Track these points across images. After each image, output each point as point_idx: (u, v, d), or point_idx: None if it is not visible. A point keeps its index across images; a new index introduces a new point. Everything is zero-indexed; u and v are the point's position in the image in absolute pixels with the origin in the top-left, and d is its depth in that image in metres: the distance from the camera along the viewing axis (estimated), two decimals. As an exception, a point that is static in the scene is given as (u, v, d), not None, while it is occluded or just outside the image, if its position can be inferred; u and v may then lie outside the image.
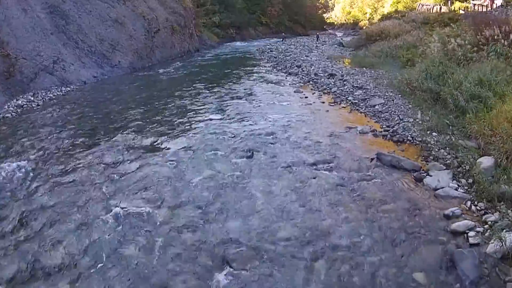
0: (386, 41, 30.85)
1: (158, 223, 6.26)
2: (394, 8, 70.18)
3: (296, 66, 23.50)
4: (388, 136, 10.72)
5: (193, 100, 15.40)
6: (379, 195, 7.15)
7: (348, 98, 14.80)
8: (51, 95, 16.86)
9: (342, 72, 20.43)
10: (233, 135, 10.55)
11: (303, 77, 20.07)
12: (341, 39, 56.15)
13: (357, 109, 13.43)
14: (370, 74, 20.02)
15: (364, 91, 15.66)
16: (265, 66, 25.38)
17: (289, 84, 18.30)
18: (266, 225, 6.16)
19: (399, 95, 14.71)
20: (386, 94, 15.02)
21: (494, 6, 43.09)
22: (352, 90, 16.05)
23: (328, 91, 16.46)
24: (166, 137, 10.67)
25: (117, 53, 26.07)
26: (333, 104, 14.12)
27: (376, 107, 13.51)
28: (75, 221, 6.33)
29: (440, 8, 49.94)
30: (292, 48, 35.18)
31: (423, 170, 8.27)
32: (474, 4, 49.80)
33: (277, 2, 64.43)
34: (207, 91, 16.94)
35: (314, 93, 16.21)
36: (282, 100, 14.98)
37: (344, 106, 13.91)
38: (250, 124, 11.57)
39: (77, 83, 20.45)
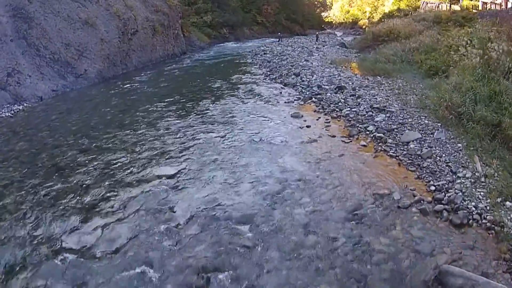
0: (398, 43, 26.45)
1: None
2: (396, 7, 65.54)
3: (294, 74, 18.91)
4: (444, 213, 6.35)
5: (147, 134, 10.69)
6: None
7: (369, 128, 10.32)
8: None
9: (352, 83, 15.92)
10: (176, 226, 5.94)
11: (303, 90, 15.54)
12: (342, 39, 51.60)
13: (385, 150, 8.95)
14: (388, 85, 15.55)
15: (388, 115, 11.17)
16: (256, 74, 20.80)
17: (285, 103, 13.78)
18: None
19: (439, 124, 10.25)
20: (420, 121, 10.55)
21: (509, 5, 38.76)
22: (371, 113, 11.57)
23: (338, 114, 11.99)
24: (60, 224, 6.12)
25: (84, 60, 21.54)
26: (347, 140, 9.63)
27: (412, 145, 9.05)
28: None
29: (450, 6, 45.38)
30: (289, 50, 30.39)
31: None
32: (484, 3, 45.33)
33: (274, 0, 59.55)
34: (171, 118, 12.26)
35: (319, 118, 11.71)
36: (273, 133, 10.34)
37: (365, 143, 9.41)
38: (213, 197, 6.84)
39: (32, 99, 16.34)
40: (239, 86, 17.31)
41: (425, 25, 30.35)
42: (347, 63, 23.81)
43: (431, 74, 17.83)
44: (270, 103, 13.73)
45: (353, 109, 12.10)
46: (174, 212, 6.23)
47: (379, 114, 11.35)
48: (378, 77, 17.72)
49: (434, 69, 17.72)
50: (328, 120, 11.35)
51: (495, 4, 40.75)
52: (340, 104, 12.87)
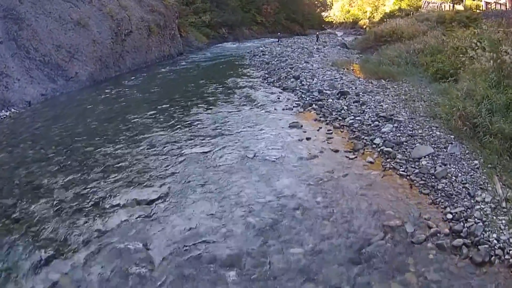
0: (401, 44, 25.48)
1: None
2: (397, 6, 64.47)
3: (294, 77, 17.89)
4: (464, 249, 5.45)
5: (130, 149, 9.56)
6: None
7: (375, 141, 9.33)
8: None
9: (355, 87, 14.90)
10: (151, 270, 4.94)
11: (303, 95, 14.53)
12: (343, 39, 50.58)
13: (394, 168, 7.96)
14: (393, 90, 14.57)
15: (396, 125, 10.18)
16: (253, 77, 19.80)
17: (283, 110, 12.77)
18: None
19: (452, 136, 9.27)
20: (431, 133, 9.57)
21: (513, 5, 37.71)
22: (377, 122, 10.58)
23: (341, 123, 10.99)
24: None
25: (75, 62, 20.58)
26: (352, 156, 8.63)
27: (424, 162, 8.07)
28: None
29: (453, 6, 44.32)
30: (289, 51, 29.35)
31: None
32: (487, 3, 44.31)
33: (273, -1, 58.56)
34: (159, 129, 11.00)
35: (320, 128, 10.71)
36: (269, 148, 9.23)
37: (372, 160, 8.44)
38: (196, 231, 5.76)
39: (19, 104, 15.51)
40: (234, 90, 16.28)
41: (428, 25, 29.36)
42: (349, 65, 22.81)
43: (439, 77, 16.84)
44: (267, 110, 12.70)
45: (357, 118, 11.10)
46: (150, 250, 5.25)
47: (386, 124, 10.35)
48: (383, 80, 16.71)
49: (442, 72, 16.73)
50: (330, 131, 10.34)
51: (499, 4, 39.70)
52: (343, 111, 11.86)
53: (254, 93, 15.61)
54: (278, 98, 14.40)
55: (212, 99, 14.90)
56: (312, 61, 23.05)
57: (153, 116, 12.42)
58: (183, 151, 8.93)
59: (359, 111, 11.68)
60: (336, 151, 8.78)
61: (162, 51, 28.82)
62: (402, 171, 7.82)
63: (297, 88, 15.64)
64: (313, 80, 16.67)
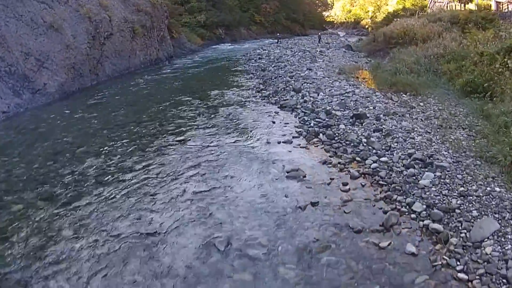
0: (416, 46, 22.34)
1: None
2: (402, 6, 61.02)
3: (294, 89, 14.65)
4: None
5: (64, 211, 6.55)
6: None
7: (414, 206, 6.20)
8: None
9: (373, 106, 11.69)
10: None
11: (306, 117, 11.31)
12: (346, 39, 47.30)
13: (449, 265, 4.86)
14: (420, 110, 11.49)
15: (438, 174, 7.04)
16: (245, 88, 16.56)
17: (278, 143, 9.52)
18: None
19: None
20: (490, 189, 6.39)
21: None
22: (412, 168, 7.37)
23: (361, 168, 7.81)
24: None
25: (44, 72, 17.49)
26: (385, 242, 5.39)
27: (488, 250, 5.17)
28: None
29: (464, 5, 40.98)
30: (289, 54, 26.02)
31: None
32: (498, 3, 40.97)
33: (273, -2, 55.03)
34: (104, 180, 7.75)
35: (331, 180, 7.40)
36: (251, 224, 5.92)
37: (414, 250, 5.24)
38: None
39: None
40: (218, 110, 12.97)
41: (442, 26, 26.13)
42: (358, 71, 19.59)
43: (468, 91, 13.68)
44: (255, 145, 9.41)
45: (382, 159, 7.89)
46: None
47: (424, 171, 7.16)
48: (404, 95, 13.53)
49: (472, 85, 13.57)
50: (347, 185, 7.08)
51: (513, 3, 36.37)
52: (361, 147, 8.63)
53: (243, 113, 12.33)
54: (273, 122, 11.12)
55: (187, 124, 11.55)
56: (315, 68, 19.78)
57: (103, 157, 9.06)
58: (117, 234, 5.67)
59: (383, 147, 8.46)
60: (358, 231, 5.54)
61: (149, 54, 25.60)
62: (462, 273, 4.66)
63: (298, 106, 12.40)
64: (318, 94, 13.39)
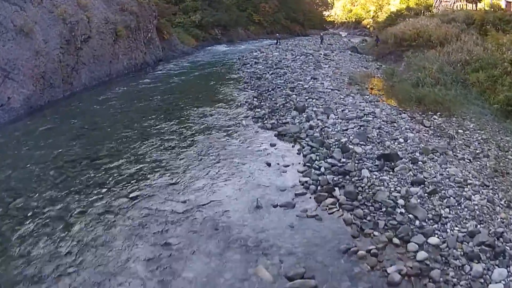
0: (433, 50, 19.64)
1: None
2: (405, 5, 58.07)
3: (296, 108, 11.72)
4: None
5: None
6: None
7: None
8: None
9: (403, 136, 8.83)
10: None
11: (314, 155, 8.41)
12: (349, 40, 44.41)
13: None
14: (464, 143, 8.63)
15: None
16: (236, 104, 13.70)
17: (274, 207, 6.52)
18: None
19: None
20: None
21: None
22: (477, 261, 4.56)
23: (403, 257, 4.92)
24: None
25: (10, 84, 14.85)
26: None
27: None
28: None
29: (476, 5, 38.13)
30: (289, 58, 23.01)
31: None
32: (509, 3, 38.18)
33: (272, -3, 51.89)
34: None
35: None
36: None
37: None
38: None
39: None
40: (195, 142, 9.89)
41: (457, 27, 23.32)
42: (370, 79, 16.73)
43: (510, 111, 10.93)
44: (236, 216, 6.30)
45: (431, 241, 5.16)
46: None
47: (493, 265, 4.37)
48: (435, 116, 10.70)
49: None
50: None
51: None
52: (399, 218, 5.79)
53: (226, 147, 9.28)
54: (267, 165, 8.09)
55: (148, 170, 8.29)
56: (321, 76, 16.87)
57: (31, 214, 6.26)
58: None
59: (431, 216, 5.62)
60: None
61: (134, 59, 22.72)
62: None
63: (302, 135, 9.47)
64: (327, 116, 10.47)
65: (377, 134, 8.86)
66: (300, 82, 15.24)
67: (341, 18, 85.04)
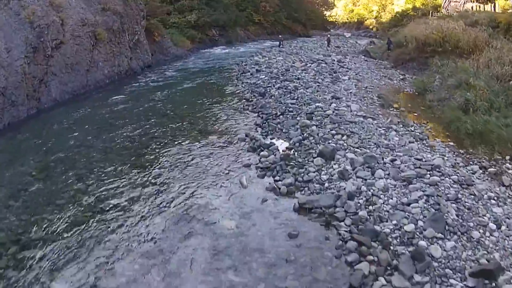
0: (466, 58, 16.52)
1: None
2: (411, 5, 54.75)
3: (322, 153, 7.99)
4: None
5: None
6: None
7: None
8: None
9: (492, 216, 5.46)
10: None
11: (368, 263, 5.00)
12: (356, 42, 41.09)
13: None
14: None
15: None
16: (233, 136, 10.10)
17: None
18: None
19: None
20: None
21: None
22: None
23: None
24: None
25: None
26: None
27: None
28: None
29: (493, 7, 34.96)
30: (298, 67, 19.45)
31: None
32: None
33: (273, -4, 48.32)
34: None
35: None
36: None
37: None
38: None
39: None
40: (161, 218, 6.30)
41: (483, 31, 20.09)
42: (402, 97, 13.40)
43: None
44: None
45: None
46: None
47: None
48: (508, 165, 7.37)
49: None
50: None
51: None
52: None
53: (213, 246, 5.57)
54: None
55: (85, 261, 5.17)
56: (343, 94, 13.45)
57: None
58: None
59: None
60: None
61: (117, 65, 19.28)
62: None
63: (338, 213, 5.91)
64: (373, 173, 6.88)
65: (456, 215, 5.45)
66: (319, 105, 11.74)
67: (342, 19, 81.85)
